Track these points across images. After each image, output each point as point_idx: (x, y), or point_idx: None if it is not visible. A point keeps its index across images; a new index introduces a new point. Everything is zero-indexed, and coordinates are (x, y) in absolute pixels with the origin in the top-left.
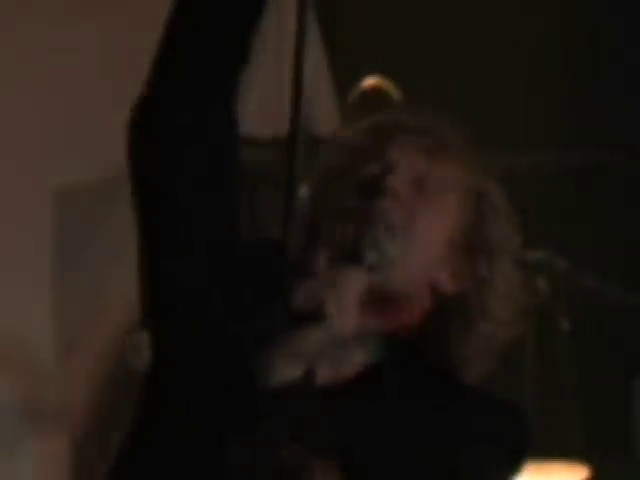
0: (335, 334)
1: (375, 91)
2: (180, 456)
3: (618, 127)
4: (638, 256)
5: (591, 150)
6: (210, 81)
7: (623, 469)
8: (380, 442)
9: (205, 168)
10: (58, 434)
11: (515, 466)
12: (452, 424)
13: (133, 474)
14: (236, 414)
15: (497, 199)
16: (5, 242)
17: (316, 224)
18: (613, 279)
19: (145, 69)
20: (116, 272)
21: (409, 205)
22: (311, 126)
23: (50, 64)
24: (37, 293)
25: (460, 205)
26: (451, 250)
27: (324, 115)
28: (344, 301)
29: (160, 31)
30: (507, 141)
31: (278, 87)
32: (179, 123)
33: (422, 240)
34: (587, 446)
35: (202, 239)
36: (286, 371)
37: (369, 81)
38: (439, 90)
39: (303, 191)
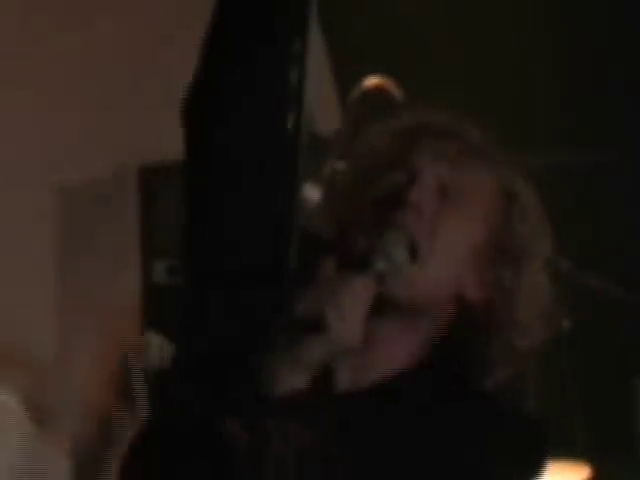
0: (337, 346)
1: (377, 90)
2: (189, 456)
3: (617, 126)
4: (638, 256)
5: (590, 149)
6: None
7: (625, 468)
8: (388, 453)
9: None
10: (58, 434)
11: (532, 477)
12: (467, 439)
13: (143, 472)
14: (241, 418)
15: (527, 200)
16: (6, 242)
17: (331, 231)
18: (613, 279)
19: (146, 70)
20: (116, 272)
21: (432, 217)
22: (312, 125)
23: (53, 66)
24: (38, 293)
25: (487, 210)
26: (477, 257)
27: (325, 114)
28: (346, 312)
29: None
30: (507, 141)
31: None
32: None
33: (446, 251)
34: (589, 445)
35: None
36: (290, 381)
37: (371, 80)
38: (439, 90)
39: (307, 187)
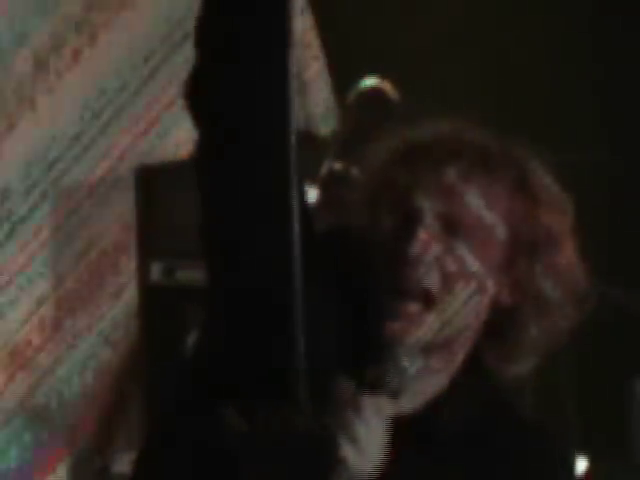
0: (358, 475)
1: (374, 91)
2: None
3: (611, 126)
4: (637, 256)
5: (588, 149)
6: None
7: (621, 469)
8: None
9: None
10: (57, 434)
11: None
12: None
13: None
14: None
15: (542, 185)
16: (3, 241)
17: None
18: (612, 279)
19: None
20: (114, 272)
21: (440, 261)
22: (311, 127)
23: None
24: (34, 293)
25: (502, 219)
26: (504, 264)
27: (323, 115)
28: (362, 445)
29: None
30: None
31: None
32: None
33: (464, 287)
34: (585, 446)
35: None
36: None
37: (367, 82)
38: (438, 91)
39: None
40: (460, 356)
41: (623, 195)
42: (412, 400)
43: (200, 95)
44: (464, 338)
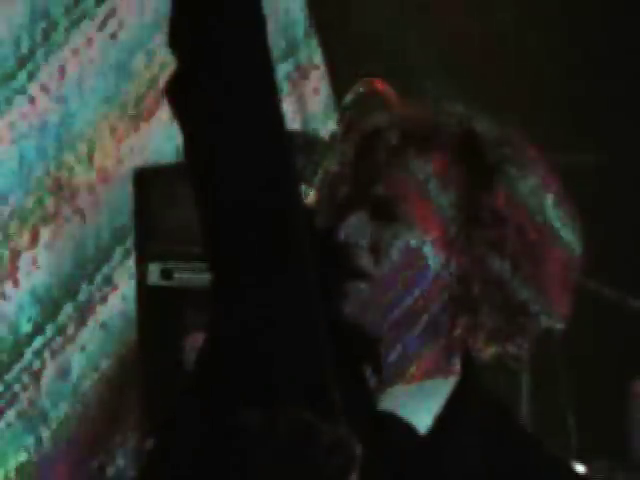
0: None
1: (372, 92)
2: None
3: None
4: (637, 258)
5: (586, 152)
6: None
7: (621, 469)
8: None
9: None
10: (57, 433)
11: None
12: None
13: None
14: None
15: (497, 170)
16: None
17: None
18: (612, 280)
19: None
20: (113, 273)
21: (378, 248)
22: (310, 127)
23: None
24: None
25: (449, 197)
26: (455, 242)
27: (322, 116)
28: None
29: None
30: None
31: None
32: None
33: (399, 265)
34: (584, 447)
35: None
36: None
37: (366, 82)
38: (437, 92)
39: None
40: (440, 337)
41: (623, 195)
42: (423, 418)
43: (181, 95)
44: (430, 313)
